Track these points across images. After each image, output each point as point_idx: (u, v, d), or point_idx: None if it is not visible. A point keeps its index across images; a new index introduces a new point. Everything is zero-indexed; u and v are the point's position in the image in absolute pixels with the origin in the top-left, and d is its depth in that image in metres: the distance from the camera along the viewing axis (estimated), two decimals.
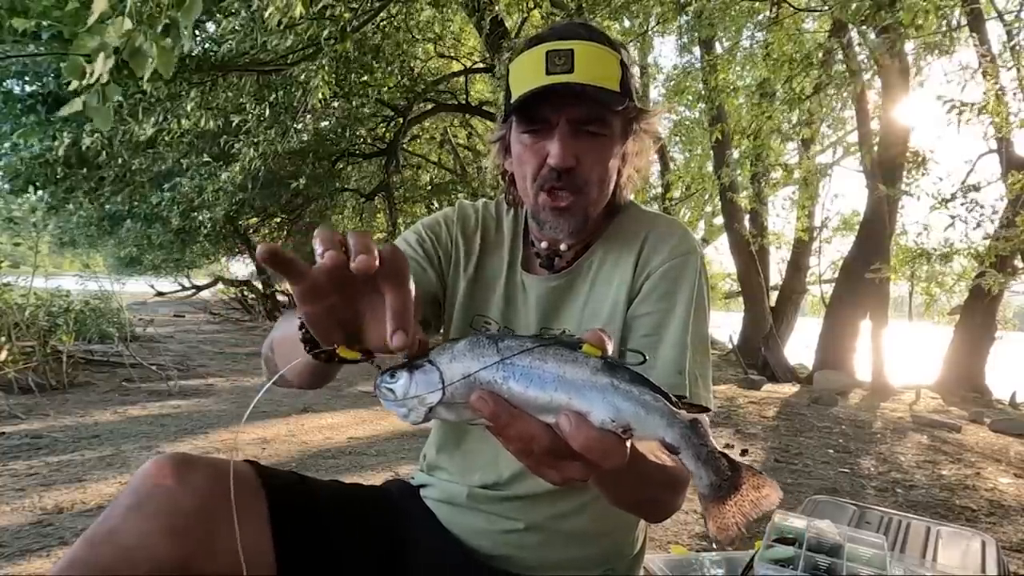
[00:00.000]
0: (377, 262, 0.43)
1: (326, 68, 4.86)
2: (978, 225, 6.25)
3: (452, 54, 9.87)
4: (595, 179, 0.84)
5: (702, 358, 0.84)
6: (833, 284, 8.94)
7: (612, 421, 0.42)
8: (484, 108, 9.28)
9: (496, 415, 0.43)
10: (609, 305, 0.87)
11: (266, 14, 3.15)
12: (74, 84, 1.82)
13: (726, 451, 0.45)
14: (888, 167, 6.92)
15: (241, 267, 14.52)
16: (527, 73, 0.82)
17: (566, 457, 0.44)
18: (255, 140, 5.81)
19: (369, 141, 10.01)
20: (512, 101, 0.84)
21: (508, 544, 0.88)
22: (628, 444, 0.43)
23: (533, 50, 0.82)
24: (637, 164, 0.92)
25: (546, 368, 0.43)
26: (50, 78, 6.62)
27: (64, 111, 1.88)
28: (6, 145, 7.15)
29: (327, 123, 8.53)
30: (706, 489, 0.45)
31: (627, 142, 0.89)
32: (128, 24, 1.68)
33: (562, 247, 0.90)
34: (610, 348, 0.45)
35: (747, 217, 9.16)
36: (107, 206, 8.54)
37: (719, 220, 12.76)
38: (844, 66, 7.07)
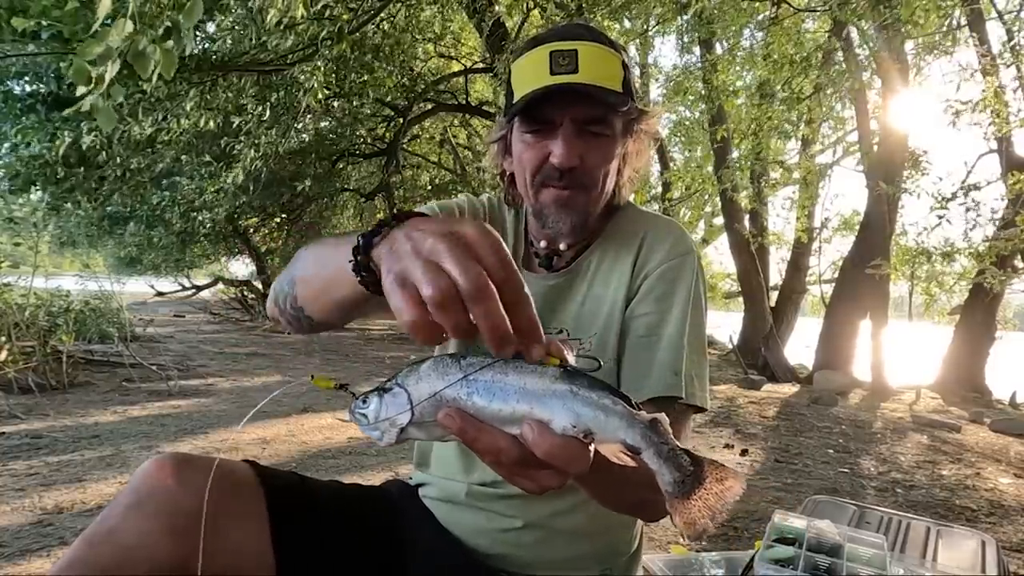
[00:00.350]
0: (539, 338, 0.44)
1: (322, 69, 4.85)
2: (974, 227, 6.26)
3: (452, 54, 9.88)
4: (597, 178, 0.85)
5: (698, 358, 0.84)
6: (833, 284, 8.95)
7: (573, 427, 0.43)
8: (484, 108, 9.29)
9: (463, 431, 0.43)
10: (607, 305, 0.87)
11: (267, 16, 3.15)
12: (81, 89, 1.83)
13: (688, 448, 0.46)
14: (888, 167, 6.93)
15: (241, 267, 14.55)
16: (531, 73, 0.82)
17: (535, 466, 0.44)
18: (256, 141, 5.80)
19: (369, 141, 10.02)
20: (515, 101, 0.84)
21: (506, 543, 0.88)
22: (591, 449, 0.44)
23: (536, 50, 0.83)
24: (636, 165, 0.93)
25: (507, 381, 0.44)
26: (50, 78, 6.62)
27: (70, 111, 1.89)
28: (6, 145, 7.16)
29: (327, 123, 8.54)
30: (670, 486, 0.45)
31: (627, 142, 0.89)
32: (130, 27, 1.69)
33: (561, 246, 0.90)
34: (570, 358, 0.46)
35: (747, 217, 9.16)
36: (108, 207, 8.54)
37: (719, 220, 12.76)
38: (843, 65, 7.08)
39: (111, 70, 1.71)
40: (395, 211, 0.52)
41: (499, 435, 0.43)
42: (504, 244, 0.43)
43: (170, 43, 1.81)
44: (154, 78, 1.81)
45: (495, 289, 0.41)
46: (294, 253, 0.74)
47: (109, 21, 1.79)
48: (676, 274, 0.86)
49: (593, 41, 0.82)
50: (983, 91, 6.04)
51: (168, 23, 1.78)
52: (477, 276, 0.40)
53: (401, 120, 9.08)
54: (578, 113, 0.82)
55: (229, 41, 5.22)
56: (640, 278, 0.87)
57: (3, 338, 4.21)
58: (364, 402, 0.48)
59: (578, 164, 0.82)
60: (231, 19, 4.82)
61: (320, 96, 5.06)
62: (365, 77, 7.13)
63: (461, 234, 0.43)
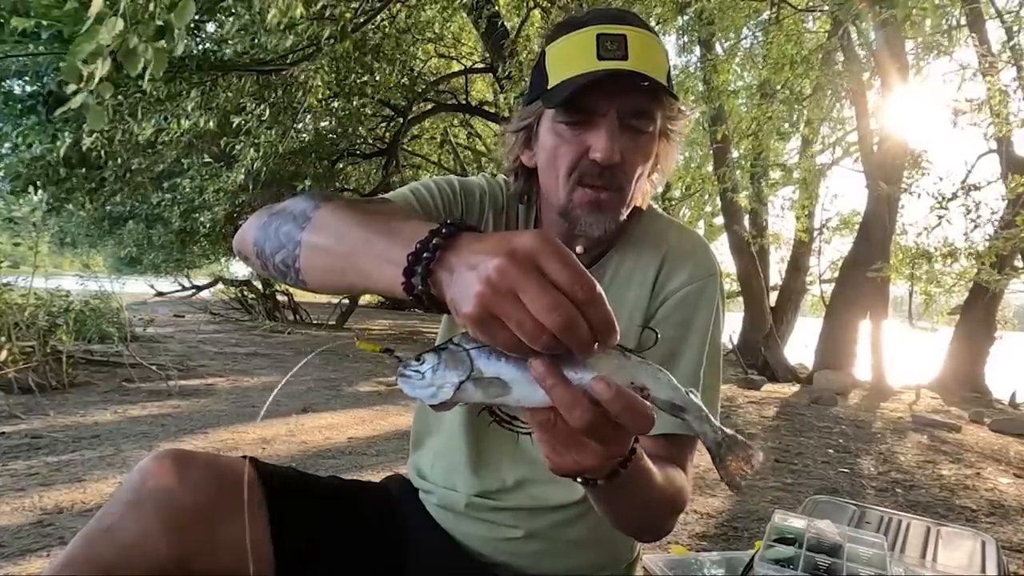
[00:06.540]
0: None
1: (326, 67, 4.86)
2: (975, 227, 6.26)
3: (452, 54, 9.89)
4: (632, 178, 0.79)
5: (713, 382, 0.84)
6: (833, 284, 8.95)
7: (631, 384, 0.46)
8: (484, 108, 9.30)
9: (545, 375, 0.43)
10: (623, 321, 0.85)
11: (268, 16, 3.15)
12: (71, 87, 1.83)
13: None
14: (888, 167, 6.92)
15: (241, 267, 14.54)
16: (574, 57, 0.74)
17: (588, 433, 0.44)
18: (256, 141, 5.81)
19: (369, 141, 10.02)
20: (550, 87, 0.76)
21: (507, 552, 0.87)
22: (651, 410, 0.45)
23: (579, 32, 0.75)
24: (665, 168, 0.87)
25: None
26: (50, 78, 6.62)
27: (60, 110, 1.89)
28: (6, 146, 7.15)
29: (327, 123, 8.55)
30: (713, 444, 0.51)
31: (660, 143, 0.83)
32: (121, 25, 1.68)
33: (578, 249, 0.83)
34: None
35: (747, 217, 9.16)
36: (108, 207, 8.55)
37: (719, 220, 12.75)
38: (842, 66, 7.08)
39: (102, 68, 1.71)
40: (442, 226, 0.48)
41: (575, 387, 0.44)
42: (564, 247, 0.42)
43: (161, 43, 1.81)
44: (146, 76, 1.81)
45: (575, 309, 0.40)
46: None
47: (103, 23, 1.80)
48: (696, 299, 0.83)
49: (639, 27, 0.76)
50: (985, 92, 6.04)
51: (159, 23, 1.78)
52: (563, 312, 0.40)
53: (401, 120, 9.10)
54: (626, 104, 0.74)
55: (233, 45, 5.22)
56: (659, 300, 0.83)
57: (3, 338, 4.21)
58: (418, 360, 0.47)
59: (619, 161, 0.75)
60: (238, 24, 4.82)
61: (322, 95, 5.07)
62: (365, 77, 7.13)
63: (525, 255, 0.41)
